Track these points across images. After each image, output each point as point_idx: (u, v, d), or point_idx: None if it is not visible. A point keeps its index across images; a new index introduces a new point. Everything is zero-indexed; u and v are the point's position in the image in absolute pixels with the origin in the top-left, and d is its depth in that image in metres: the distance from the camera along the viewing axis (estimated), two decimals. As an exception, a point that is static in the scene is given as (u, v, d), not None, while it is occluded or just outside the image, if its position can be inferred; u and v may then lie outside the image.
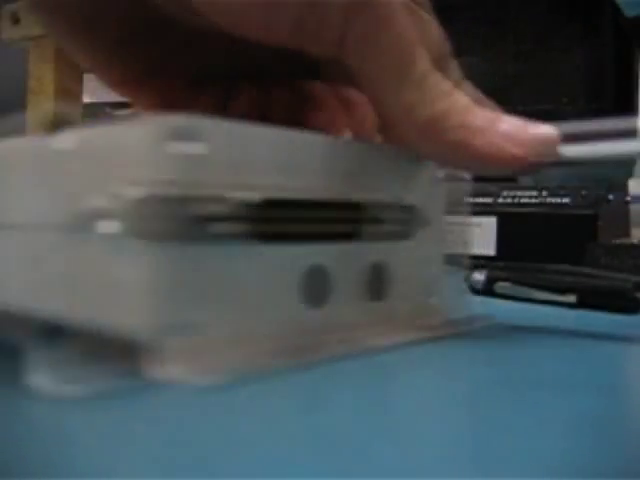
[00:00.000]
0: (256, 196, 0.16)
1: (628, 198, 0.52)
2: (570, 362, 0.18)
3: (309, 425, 0.12)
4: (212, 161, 0.15)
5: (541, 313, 0.27)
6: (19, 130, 0.19)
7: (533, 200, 0.49)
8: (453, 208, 0.22)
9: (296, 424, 0.12)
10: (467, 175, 0.22)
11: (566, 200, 0.48)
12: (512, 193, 0.50)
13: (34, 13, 0.23)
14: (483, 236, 0.49)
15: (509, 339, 0.21)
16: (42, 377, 0.13)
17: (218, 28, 0.18)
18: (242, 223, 0.15)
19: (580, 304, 0.28)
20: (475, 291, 0.31)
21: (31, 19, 0.65)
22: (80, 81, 0.68)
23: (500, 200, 0.50)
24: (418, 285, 0.21)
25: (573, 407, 0.13)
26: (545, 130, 0.20)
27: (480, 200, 0.51)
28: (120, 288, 0.14)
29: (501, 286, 0.31)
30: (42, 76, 0.65)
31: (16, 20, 0.66)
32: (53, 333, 0.13)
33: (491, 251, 0.49)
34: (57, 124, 0.16)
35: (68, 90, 0.64)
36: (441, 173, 0.21)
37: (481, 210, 0.50)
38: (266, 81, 0.24)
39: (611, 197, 0.47)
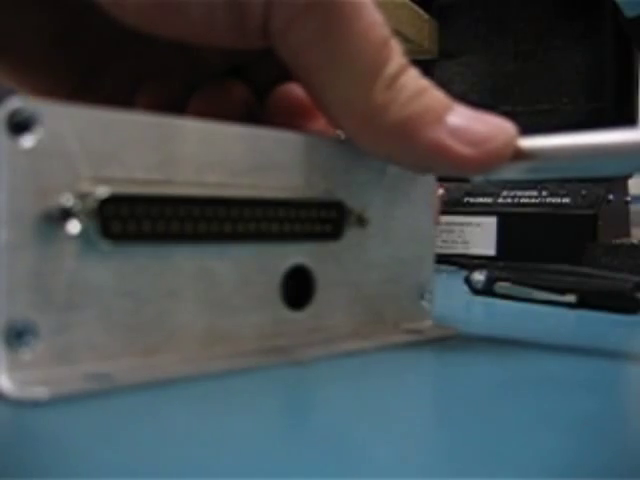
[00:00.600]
0: (105, 192, 0.14)
1: (628, 198, 0.52)
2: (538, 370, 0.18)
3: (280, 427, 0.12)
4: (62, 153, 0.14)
5: (540, 313, 0.27)
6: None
7: (533, 200, 0.49)
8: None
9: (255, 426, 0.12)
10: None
11: (566, 200, 0.48)
12: (512, 193, 0.50)
13: None
14: (483, 236, 0.49)
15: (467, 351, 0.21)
16: (4, 379, 0.13)
17: (137, 31, 0.17)
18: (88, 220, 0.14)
19: (580, 304, 0.28)
20: (475, 291, 0.32)
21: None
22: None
23: (500, 200, 0.50)
24: (361, 291, 0.19)
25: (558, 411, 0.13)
26: (500, 125, 0.18)
27: (480, 200, 0.50)
28: None
29: (501, 286, 0.31)
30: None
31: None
32: (18, 334, 0.13)
33: (491, 251, 0.49)
34: None
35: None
36: (393, 168, 0.19)
37: (481, 210, 0.50)
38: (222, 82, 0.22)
39: (611, 197, 0.47)
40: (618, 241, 0.45)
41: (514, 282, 0.30)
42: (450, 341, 0.20)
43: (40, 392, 0.13)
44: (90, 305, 0.14)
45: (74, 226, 0.14)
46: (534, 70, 0.53)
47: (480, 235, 0.50)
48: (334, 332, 0.18)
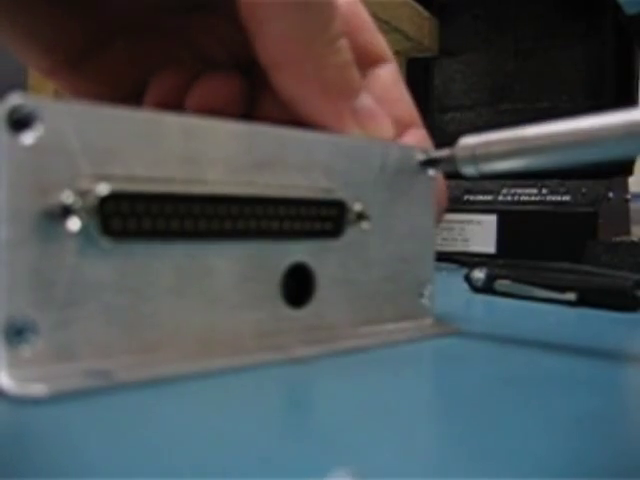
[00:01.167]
0: (105, 189, 0.14)
1: (628, 196, 0.52)
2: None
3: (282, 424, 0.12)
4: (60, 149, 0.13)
5: (540, 311, 0.27)
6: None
7: (533, 198, 0.49)
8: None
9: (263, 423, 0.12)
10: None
11: (566, 198, 0.48)
12: (512, 191, 0.50)
13: None
14: (483, 234, 0.49)
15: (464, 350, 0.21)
16: (3, 376, 0.13)
17: None
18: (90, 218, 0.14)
19: (580, 302, 0.28)
20: (475, 289, 0.32)
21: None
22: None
23: (500, 198, 0.50)
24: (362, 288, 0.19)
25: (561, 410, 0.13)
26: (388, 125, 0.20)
27: (480, 198, 0.50)
28: None
29: (501, 284, 0.31)
30: (42, 76, 0.65)
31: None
32: (18, 331, 0.13)
33: (491, 249, 0.49)
34: None
35: (68, 88, 0.64)
36: (394, 167, 0.20)
37: (481, 208, 0.50)
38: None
39: (611, 195, 0.47)
40: (618, 239, 0.45)
41: (514, 280, 0.30)
42: (450, 339, 0.20)
43: (40, 389, 0.13)
44: (90, 302, 0.14)
45: (74, 223, 0.14)
46: (534, 68, 0.53)
47: (480, 233, 0.50)
48: (334, 330, 0.18)
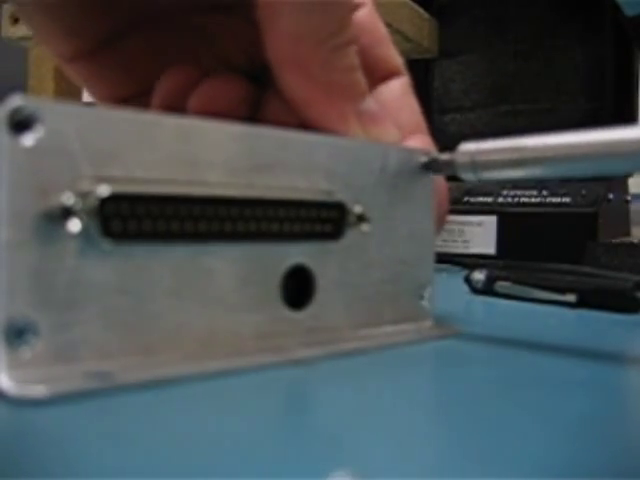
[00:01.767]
0: (106, 190, 0.14)
1: (628, 197, 0.52)
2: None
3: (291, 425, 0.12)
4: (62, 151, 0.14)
5: (540, 312, 0.27)
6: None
7: (533, 199, 0.49)
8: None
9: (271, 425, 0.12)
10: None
11: (566, 199, 0.48)
12: (512, 192, 0.50)
13: None
14: (483, 235, 0.49)
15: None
16: (3, 378, 0.13)
17: None
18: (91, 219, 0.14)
19: (580, 303, 0.28)
20: (475, 290, 0.32)
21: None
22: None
23: (500, 199, 0.50)
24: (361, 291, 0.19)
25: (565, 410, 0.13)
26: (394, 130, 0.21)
27: (480, 199, 0.51)
28: None
29: (501, 285, 0.31)
30: (42, 76, 0.65)
31: (16, 20, 0.66)
32: (18, 333, 0.13)
33: (491, 250, 0.49)
34: None
35: (68, 90, 0.64)
36: (394, 168, 0.20)
37: (481, 209, 0.50)
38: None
39: (611, 196, 0.47)
40: (618, 240, 0.45)
41: (514, 281, 0.30)
42: (450, 341, 0.20)
43: (40, 390, 0.13)
44: (90, 304, 0.14)
45: (75, 225, 0.14)
46: (534, 69, 0.53)
47: (480, 234, 0.50)
48: (334, 332, 0.18)
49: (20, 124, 0.13)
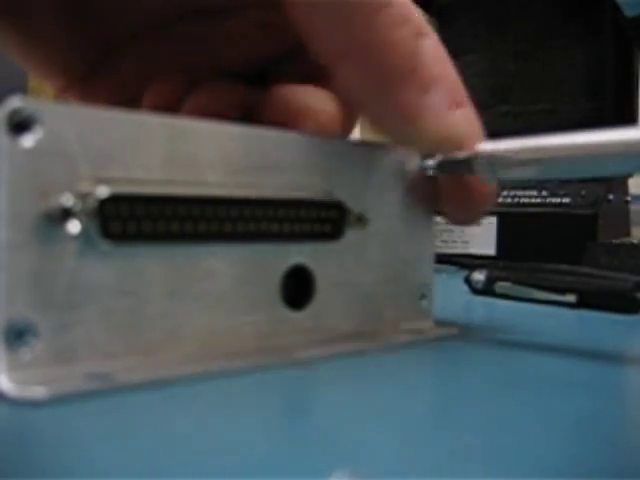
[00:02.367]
0: (105, 192, 0.14)
1: (628, 198, 0.52)
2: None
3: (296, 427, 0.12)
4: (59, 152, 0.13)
5: (540, 313, 0.27)
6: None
7: (533, 200, 0.49)
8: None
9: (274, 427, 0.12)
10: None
11: (566, 200, 0.48)
12: (512, 193, 0.50)
13: None
14: (483, 236, 0.49)
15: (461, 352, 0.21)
16: (3, 379, 0.13)
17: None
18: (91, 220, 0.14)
19: (580, 304, 0.28)
20: (475, 291, 0.32)
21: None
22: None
23: (500, 200, 0.50)
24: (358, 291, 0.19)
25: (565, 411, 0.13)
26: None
27: (480, 200, 0.50)
28: None
29: (501, 286, 0.31)
30: (42, 76, 0.65)
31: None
32: (18, 334, 0.13)
33: (491, 251, 0.49)
34: None
35: (68, 90, 0.64)
36: (394, 168, 0.20)
37: (481, 210, 0.50)
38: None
39: (611, 197, 0.47)
40: (618, 241, 0.45)
41: (514, 282, 0.30)
42: (450, 341, 0.20)
43: (40, 392, 0.13)
44: (90, 305, 0.14)
45: (74, 226, 0.14)
46: (534, 70, 0.53)
47: (480, 235, 0.50)
48: (334, 332, 0.18)
49: (19, 125, 0.13)
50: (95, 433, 0.11)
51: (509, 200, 0.50)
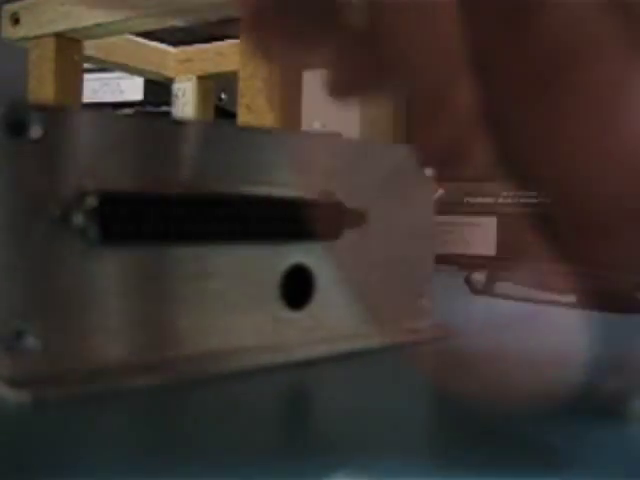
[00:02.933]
0: (104, 192, 0.14)
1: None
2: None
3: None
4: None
5: (540, 313, 0.27)
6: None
7: (533, 200, 0.49)
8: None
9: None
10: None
11: (566, 200, 0.48)
12: (512, 193, 0.50)
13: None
14: (483, 236, 0.49)
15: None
16: (2, 381, 0.13)
17: None
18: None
19: (580, 304, 0.28)
20: (475, 291, 0.31)
21: (31, 19, 0.65)
22: (80, 81, 0.68)
23: (500, 200, 0.50)
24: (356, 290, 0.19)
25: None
26: None
27: (480, 200, 0.50)
28: None
29: (501, 286, 0.31)
30: (42, 76, 0.65)
31: (16, 20, 0.66)
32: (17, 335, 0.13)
33: (491, 251, 0.49)
34: None
35: (68, 90, 0.64)
36: (393, 164, 0.19)
37: (481, 210, 0.50)
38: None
39: (611, 197, 0.47)
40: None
41: (514, 282, 0.30)
42: (450, 341, 0.20)
43: (39, 393, 0.12)
44: (90, 306, 0.14)
45: (71, 226, 0.14)
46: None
47: (480, 235, 0.50)
48: (333, 332, 0.18)
49: (18, 126, 0.13)
50: (93, 435, 0.11)
51: (509, 200, 0.50)
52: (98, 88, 0.86)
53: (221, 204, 0.16)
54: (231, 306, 0.16)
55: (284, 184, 0.17)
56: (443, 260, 0.46)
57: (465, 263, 0.43)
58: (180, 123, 0.15)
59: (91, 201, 0.14)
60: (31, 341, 0.13)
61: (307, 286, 0.18)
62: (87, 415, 0.12)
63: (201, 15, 0.51)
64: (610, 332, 0.23)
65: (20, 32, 0.65)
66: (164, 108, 0.78)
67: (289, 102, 0.44)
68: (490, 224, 0.49)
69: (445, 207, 0.50)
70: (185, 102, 0.70)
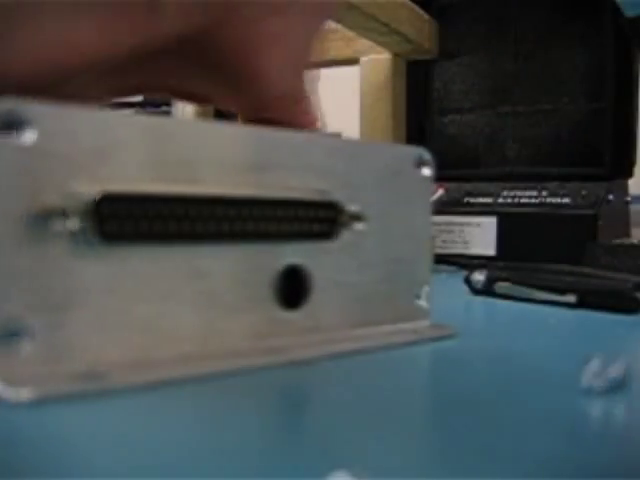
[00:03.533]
0: (99, 191, 0.14)
1: (628, 198, 0.52)
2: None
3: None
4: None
5: (540, 313, 0.27)
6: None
7: (533, 200, 0.49)
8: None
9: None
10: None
11: (566, 200, 0.48)
12: (512, 193, 0.50)
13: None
14: (483, 236, 0.49)
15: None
16: None
17: None
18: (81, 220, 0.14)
19: (580, 304, 0.28)
20: (475, 291, 0.31)
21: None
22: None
23: (500, 200, 0.50)
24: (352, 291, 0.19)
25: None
26: None
27: (480, 200, 0.50)
28: None
29: (501, 286, 0.31)
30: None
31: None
32: (11, 334, 0.13)
33: (491, 251, 0.49)
34: None
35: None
36: (389, 163, 0.20)
37: (481, 210, 0.50)
38: None
39: (611, 197, 0.47)
40: (618, 241, 0.45)
41: (514, 282, 0.30)
42: (449, 341, 0.20)
43: (33, 392, 0.12)
44: (84, 305, 0.14)
45: (68, 225, 0.13)
46: (534, 70, 0.53)
47: (480, 235, 0.50)
48: (330, 332, 0.18)
49: (13, 125, 0.13)
50: (87, 434, 0.11)
51: (509, 200, 0.50)
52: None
53: (217, 204, 0.16)
54: (226, 306, 0.16)
55: (280, 184, 0.17)
56: (443, 260, 0.46)
57: (465, 263, 0.43)
58: (179, 123, 0.15)
59: (86, 200, 0.14)
60: (27, 341, 0.13)
61: (303, 286, 0.18)
62: (79, 415, 0.12)
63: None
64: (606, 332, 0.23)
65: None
66: (164, 108, 0.78)
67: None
68: (490, 224, 0.49)
69: (445, 207, 0.50)
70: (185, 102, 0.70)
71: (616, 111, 0.51)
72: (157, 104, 0.82)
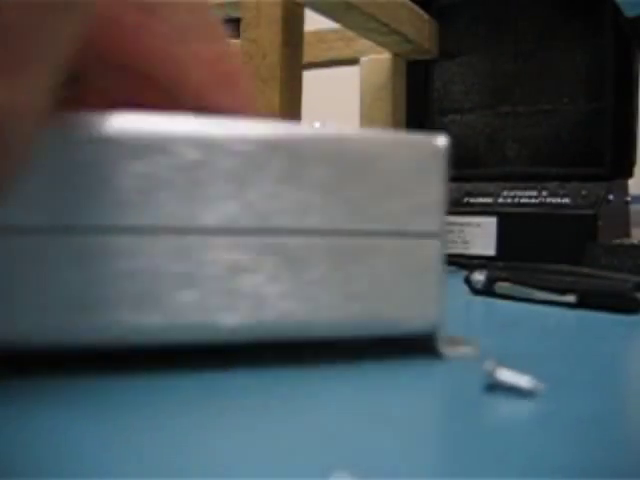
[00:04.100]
0: None
1: (628, 198, 0.52)
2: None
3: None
4: None
5: (540, 313, 0.27)
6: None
7: (533, 200, 0.49)
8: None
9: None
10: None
11: (566, 200, 0.48)
12: (512, 193, 0.50)
13: None
14: (483, 236, 0.49)
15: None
16: None
17: None
18: None
19: (580, 304, 0.28)
20: (475, 291, 0.31)
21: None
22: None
23: (500, 200, 0.50)
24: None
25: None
26: None
27: (480, 200, 0.50)
28: None
29: (501, 286, 0.31)
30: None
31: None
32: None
33: (491, 251, 0.49)
34: None
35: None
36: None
37: (481, 210, 0.50)
38: None
39: (611, 197, 0.47)
40: (618, 241, 0.45)
41: (514, 282, 0.30)
42: (449, 341, 0.20)
43: None
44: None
45: None
46: (534, 70, 0.53)
47: (480, 235, 0.50)
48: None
49: None
50: (90, 434, 0.11)
51: (509, 200, 0.50)
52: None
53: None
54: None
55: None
56: (443, 260, 0.46)
57: (465, 263, 0.43)
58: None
59: None
60: None
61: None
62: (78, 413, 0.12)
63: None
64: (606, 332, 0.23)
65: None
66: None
67: (289, 102, 0.44)
68: (490, 224, 0.49)
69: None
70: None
71: (616, 111, 0.51)
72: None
